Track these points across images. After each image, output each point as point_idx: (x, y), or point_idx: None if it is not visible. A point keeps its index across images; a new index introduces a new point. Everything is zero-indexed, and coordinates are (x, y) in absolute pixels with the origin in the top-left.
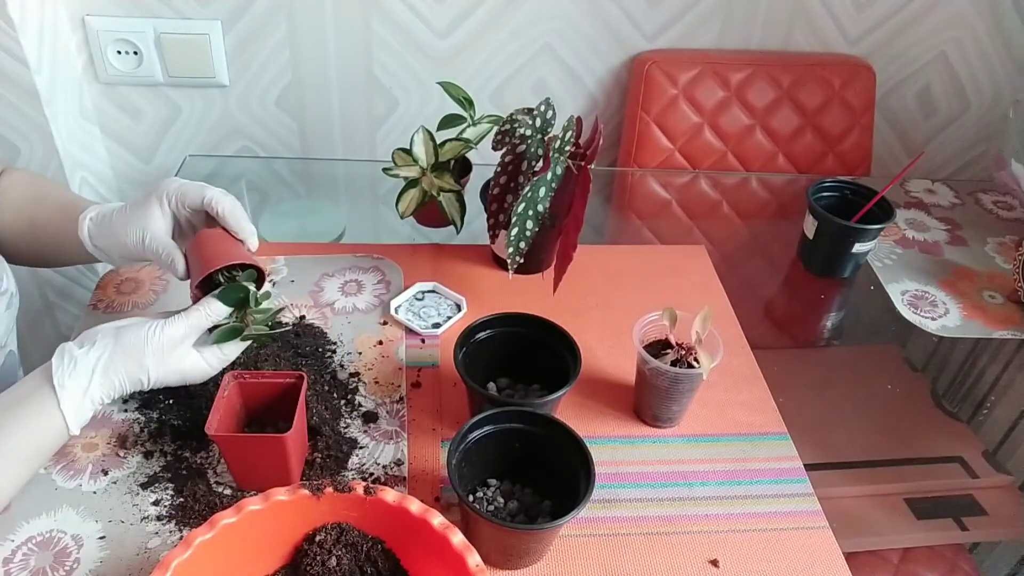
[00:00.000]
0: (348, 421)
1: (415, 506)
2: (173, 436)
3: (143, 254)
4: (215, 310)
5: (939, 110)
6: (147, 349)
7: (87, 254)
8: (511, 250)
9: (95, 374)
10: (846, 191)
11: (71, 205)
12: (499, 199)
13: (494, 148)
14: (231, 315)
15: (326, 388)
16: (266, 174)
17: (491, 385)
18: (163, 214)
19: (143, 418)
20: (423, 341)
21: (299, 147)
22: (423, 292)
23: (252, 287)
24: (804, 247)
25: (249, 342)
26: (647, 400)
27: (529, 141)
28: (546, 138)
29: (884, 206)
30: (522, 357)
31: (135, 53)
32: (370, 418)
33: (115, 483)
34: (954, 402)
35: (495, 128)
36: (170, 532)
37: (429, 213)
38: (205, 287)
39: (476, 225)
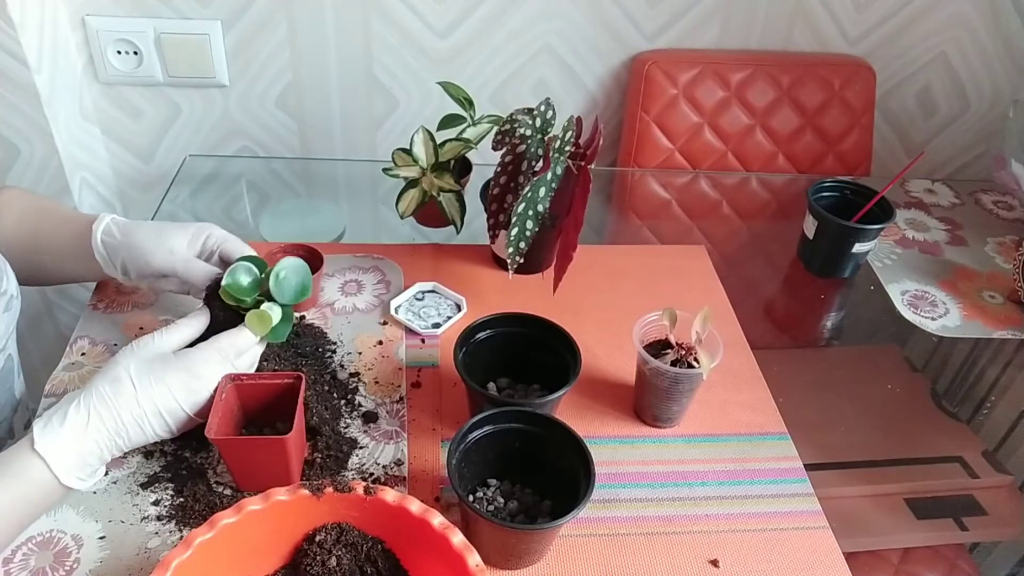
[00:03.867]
0: (348, 421)
1: (415, 506)
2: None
3: (160, 263)
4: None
5: (939, 110)
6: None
7: (87, 263)
8: (511, 250)
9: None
10: (846, 191)
11: (80, 216)
12: (499, 199)
13: (494, 148)
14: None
15: (326, 388)
16: (266, 174)
17: (491, 385)
18: (190, 245)
19: None
20: (423, 341)
21: (299, 147)
22: (423, 292)
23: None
24: (804, 247)
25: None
26: (647, 400)
27: (529, 141)
28: (546, 138)
29: (884, 206)
30: (522, 357)
31: (135, 53)
32: (370, 418)
33: (115, 483)
34: (954, 402)
35: (495, 128)
36: (170, 532)
37: (429, 213)
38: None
39: (476, 225)
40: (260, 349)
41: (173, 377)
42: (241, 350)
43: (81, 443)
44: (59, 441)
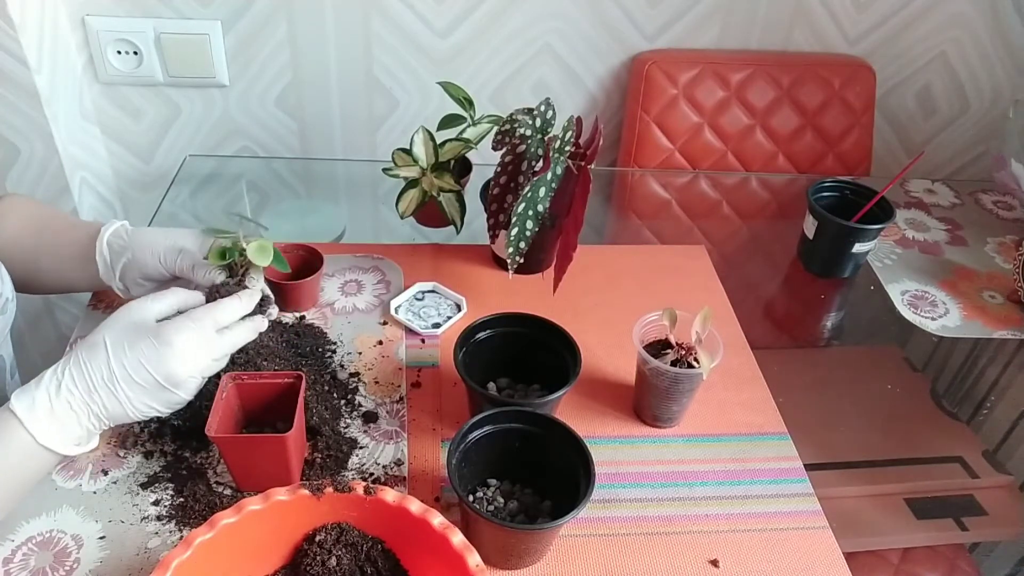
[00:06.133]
0: (348, 421)
1: (415, 506)
2: (173, 436)
3: (166, 261)
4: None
5: (939, 110)
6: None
7: (86, 268)
8: (511, 250)
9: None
10: (846, 191)
11: (86, 222)
12: (499, 199)
13: (494, 148)
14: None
15: (326, 388)
16: (266, 174)
17: (491, 385)
18: (200, 248)
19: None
20: (423, 341)
21: (299, 147)
22: (423, 292)
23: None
24: (804, 247)
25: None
26: (647, 400)
27: (529, 141)
28: (546, 138)
29: (884, 206)
30: (522, 357)
31: (135, 53)
32: (370, 418)
33: (115, 483)
34: (954, 402)
35: (495, 128)
36: (170, 532)
37: (429, 213)
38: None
39: (476, 225)
40: (246, 336)
41: (143, 343)
42: (220, 323)
43: (54, 404)
44: (34, 402)
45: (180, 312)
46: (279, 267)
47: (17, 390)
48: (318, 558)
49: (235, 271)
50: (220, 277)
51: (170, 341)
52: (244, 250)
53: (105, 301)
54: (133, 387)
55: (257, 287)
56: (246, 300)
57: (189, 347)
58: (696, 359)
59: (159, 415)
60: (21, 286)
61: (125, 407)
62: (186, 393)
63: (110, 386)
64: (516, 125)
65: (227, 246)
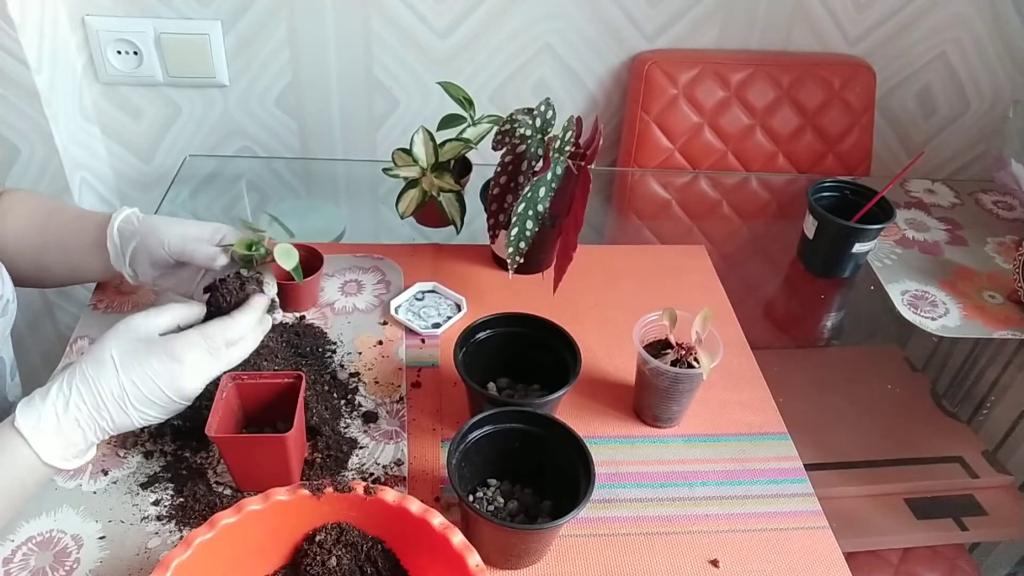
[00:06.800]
0: (348, 421)
1: (415, 506)
2: (173, 436)
3: (173, 245)
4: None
5: (939, 110)
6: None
7: (95, 256)
8: (511, 250)
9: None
10: (846, 191)
11: (94, 212)
12: (499, 199)
13: (494, 148)
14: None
15: (326, 388)
16: (266, 174)
17: (491, 385)
18: (209, 239)
19: None
20: (423, 341)
21: (299, 147)
22: (423, 292)
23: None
24: (804, 247)
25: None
26: (647, 400)
27: (529, 141)
28: (546, 138)
29: (884, 206)
30: (522, 357)
31: (135, 53)
32: (370, 418)
33: (115, 483)
34: (954, 402)
35: (495, 128)
36: (170, 532)
37: (429, 213)
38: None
39: (476, 225)
40: (254, 343)
41: (154, 360)
42: (231, 340)
43: (62, 422)
44: (40, 420)
45: (180, 326)
46: (295, 275)
47: (21, 404)
48: (318, 558)
49: (252, 267)
50: (222, 259)
51: (181, 358)
52: (269, 250)
53: (105, 301)
54: (145, 403)
55: (271, 291)
56: (256, 309)
57: (200, 364)
58: (696, 359)
59: (162, 421)
60: (27, 280)
61: (133, 420)
62: (190, 401)
63: (120, 403)
64: (516, 125)
65: (254, 239)
